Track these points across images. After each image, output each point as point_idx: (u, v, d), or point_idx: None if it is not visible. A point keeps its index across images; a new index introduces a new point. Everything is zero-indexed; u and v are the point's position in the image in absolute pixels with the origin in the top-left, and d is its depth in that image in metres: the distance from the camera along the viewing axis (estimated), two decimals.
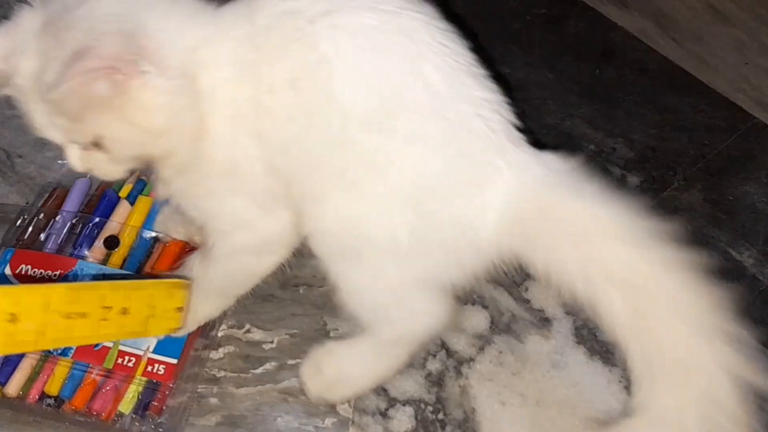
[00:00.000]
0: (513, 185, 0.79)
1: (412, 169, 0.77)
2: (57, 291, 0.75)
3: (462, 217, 0.79)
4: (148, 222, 1.07)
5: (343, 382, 0.97)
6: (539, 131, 1.32)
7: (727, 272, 1.11)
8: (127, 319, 0.81)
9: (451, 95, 0.77)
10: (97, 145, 0.78)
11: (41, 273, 0.99)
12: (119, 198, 1.10)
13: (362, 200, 0.79)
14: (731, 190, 1.24)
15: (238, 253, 0.91)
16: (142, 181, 1.12)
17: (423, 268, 0.84)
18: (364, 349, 0.96)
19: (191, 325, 0.96)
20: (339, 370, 0.96)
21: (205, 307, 0.97)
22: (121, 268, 1.02)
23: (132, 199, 1.10)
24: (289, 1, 0.78)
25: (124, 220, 1.07)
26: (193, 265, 0.96)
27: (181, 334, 0.94)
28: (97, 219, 1.05)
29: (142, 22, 0.75)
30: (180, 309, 0.89)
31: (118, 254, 1.04)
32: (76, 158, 0.82)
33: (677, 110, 1.37)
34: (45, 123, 0.79)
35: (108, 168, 0.82)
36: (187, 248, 1.04)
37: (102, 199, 1.09)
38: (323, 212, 0.82)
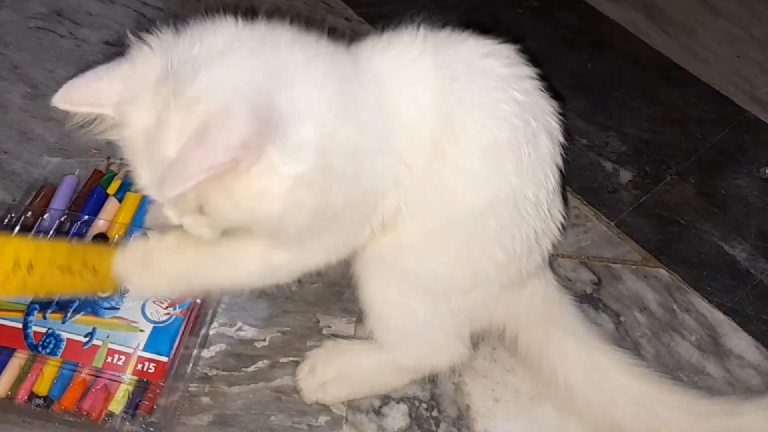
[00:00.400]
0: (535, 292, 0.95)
1: (498, 253, 0.83)
2: (61, 247, 0.82)
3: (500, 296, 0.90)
4: (137, 219, 1.06)
5: (340, 387, 0.96)
6: None
7: (719, 266, 1.11)
8: (94, 277, 0.85)
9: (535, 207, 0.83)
10: (200, 209, 0.72)
11: None
12: (107, 195, 1.08)
13: (450, 253, 0.84)
14: (724, 183, 1.24)
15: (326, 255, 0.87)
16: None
17: (465, 313, 0.91)
18: (370, 363, 0.96)
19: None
20: (337, 373, 0.96)
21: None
22: None
23: (120, 195, 1.08)
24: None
25: (112, 217, 1.05)
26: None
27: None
28: (86, 217, 1.04)
29: (278, 96, 0.68)
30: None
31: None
32: (173, 214, 0.76)
33: (669, 103, 1.37)
34: (148, 183, 0.72)
35: (204, 231, 0.75)
36: None
37: (90, 196, 1.08)
38: (405, 243, 0.83)
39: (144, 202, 1.07)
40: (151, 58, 0.71)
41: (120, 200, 1.08)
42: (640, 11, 1.52)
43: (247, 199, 0.68)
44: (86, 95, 0.72)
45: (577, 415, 0.93)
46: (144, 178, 0.72)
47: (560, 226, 0.89)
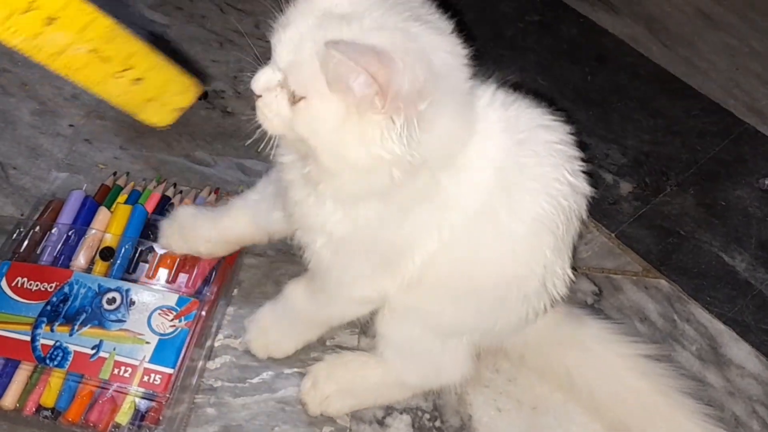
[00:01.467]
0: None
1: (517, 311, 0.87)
2: (102, 22, 0.71)
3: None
4: (129, 230, 1.07)
5: (344, 399, 0.98)
6: None
7: (719, 277, 1.12)
8: (135, 88, 0.78)
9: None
10: (295, 102, 0.70)
11: (37, 286, 0.99)
12: (98, 205, 1.10)
13: (472, 306, 0.87)
14: (723, 194, 1.25)
15: (347, 302, 0.91)
16: (137, 192, 1.12)
17: (477, 343, 0.95)
18: (374, 378, 0.98)
19: (289, 351, 1.02)
20: (340, 386, 0.98)
21: (305, 335, 1.02)
22: (106, 276, 1.02)
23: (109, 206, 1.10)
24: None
25: (104, 227, 1.07)
26: (296, 297, 0.96)
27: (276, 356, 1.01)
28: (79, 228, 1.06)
29: (452, 87, 0.71)
30: (180, 109, 0.84)
31: (103, 263, 1.04)
32: (268, 77, 0.72)
33: (670, 115, 1.38)
34: (295, 35, 0.70)
35: (276, 124, 0.73)
36: (182, 259, 1.04)
37: (81, 207, 1.09)
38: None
39: (135, 213, 1.08)
40: None
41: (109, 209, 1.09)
42: (641, 25, 1.54)
43: (344, 128, 0.68)
44: None
45: (595, 411, 0.97)
46: (294, 29, 0.70)
47: (567, 282, 0.91)
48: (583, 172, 0.84)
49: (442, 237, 0.79)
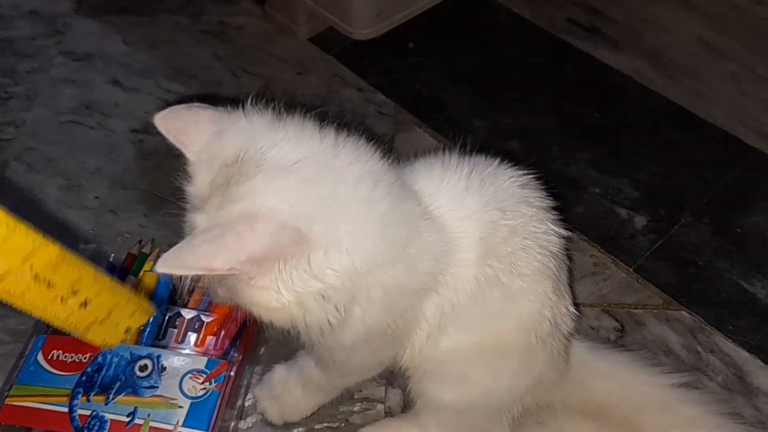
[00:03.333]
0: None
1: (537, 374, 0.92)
2: (48, 249, 0.70)
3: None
4: (157, 296, 1.10)
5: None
6: (545, 178, 1.34)
7: (741, 305, 1.13)
8: (80, 312, 0.76)
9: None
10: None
11: (72, 357, 1.02)
12: (126, 274, 1.13)
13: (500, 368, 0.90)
14: (739, 221, 1.26)
15: (353, 374, 0.95)
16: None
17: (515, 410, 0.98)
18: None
19: (305, 413, 1.04)
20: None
21: (319, 399, 1.04)
22: (137, 343, 1.04)
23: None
24: None
25: None
26: (308, 367, 0.99)
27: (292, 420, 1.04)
28: None
29: (320, 223, 0.68)
30: (128, 330, 0.85)
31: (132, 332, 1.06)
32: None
33: (679, 146, 1.40)
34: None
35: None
36: (209, 323, 1.06)
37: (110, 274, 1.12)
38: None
39: (162, 280, 1.10)
40: (238, 130, 0.72)
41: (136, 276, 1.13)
42: (644, 59, 1.56)
43: (248, 302, 0.72)
44: (179, 131, 0.74)
45: None
46: (186, 229, 0.74)
47: (574, 316, 0.95)
48: (558, 218, 0.89)
49: (446, 308, 0.81)
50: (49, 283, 0.70)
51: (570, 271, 0.96)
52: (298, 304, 0.70)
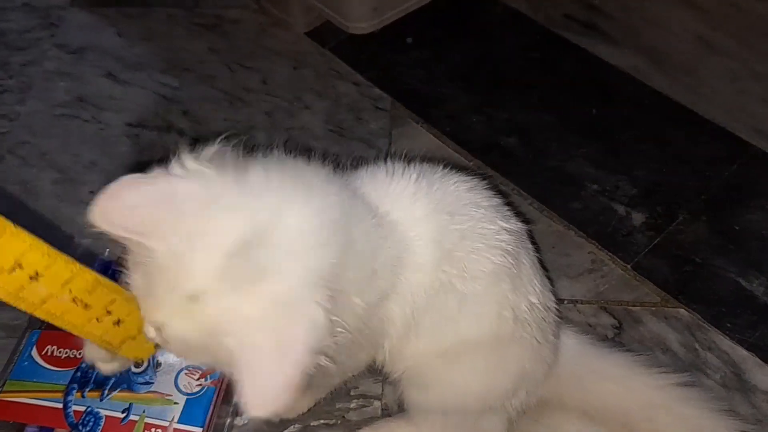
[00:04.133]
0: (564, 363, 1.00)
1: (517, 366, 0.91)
2: (84, 276, 0.72)
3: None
4: None
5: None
6: (542, 174, 1.34)
7: (738, 303, 1.12)
8: (115, 329, 0.80)
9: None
10: None
11: (66, 353, 1.01)
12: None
13: (472, 371, 0.88)
14: (736, 219, 1.26)
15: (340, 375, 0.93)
16: None
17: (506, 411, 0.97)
18: None
19: (301, 410, 1.04)
20: None
21: (313, 396, 1.03)
22: None
23: None
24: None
25: None
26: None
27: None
28: None
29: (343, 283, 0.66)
30: (158, 345, 0.82)
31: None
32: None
33: (677, 143, 1.39)
34: (163, 317, 0.65)
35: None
36: None
37: (105, 272, 1.10)
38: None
39: None
40: (196, 193, 0.63)
41: None
42: (642, 56, 1.56)
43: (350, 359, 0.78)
44: (127, 219, 0.63)
45: None
46: (160, 313, 0.64)
47: (557, 315, 0.95)
48: (511, 211, 0.89)
49: (406, 314, 0.80)
50: (86, 305, 0.75)
51: (541, 262, 0.95)
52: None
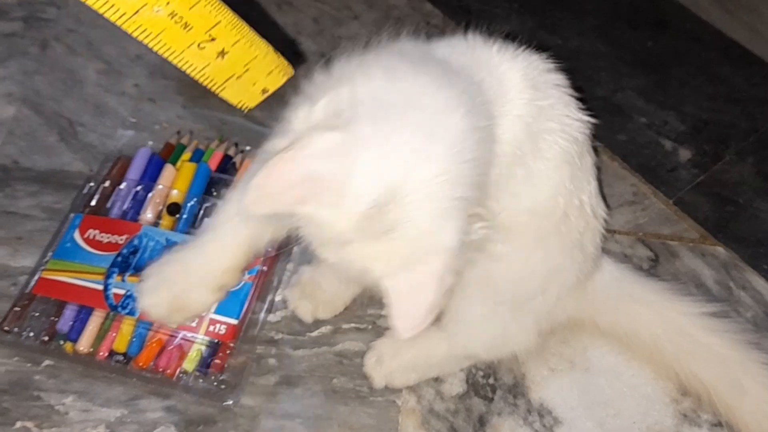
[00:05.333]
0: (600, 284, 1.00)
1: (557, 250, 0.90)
2: None
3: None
4: (194, 186, 1.10)
5: (408, 374, 1.00)
6: (591, 103, 1.31)
7: None
8: (217, 62, 0.75)
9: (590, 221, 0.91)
10: None
11: (108, 238, 1.03)
12: (164, 162, 1.13)
13: (517, 253, 0.88)
14: None
15: None
16: (200, 150, 1.15)
17: (543, 312, 0.96)
18: (440, 354, 0.99)
19: (337, 310, 1.05)
20: (404, 363, 0.99)
21: (349, 292, 1.05)
22: (173, 230, 1.06)
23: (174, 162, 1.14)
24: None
25: (170, 183, 1.11)
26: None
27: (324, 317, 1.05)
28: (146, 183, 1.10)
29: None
30: (265, 91, 0.81)
31: (169, 218, 1.08)
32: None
33: (730, 82, 1.36)
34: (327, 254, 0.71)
35: None
36: None
37: (148, 163, 1.13)
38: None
39: (200, 170, 1.11)
40: (330, 155, 0.64)
41: (174, 165, 1.13)
42: None
43: None
44: (277, 199, 0.66)
45: (668, 371, 0.99)
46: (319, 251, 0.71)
47: (604, 224, 0.95)
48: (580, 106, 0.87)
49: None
50: (185, 25, 0.68)
51: (605, 188, 0.97)
52: None
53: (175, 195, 1.09)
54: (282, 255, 1.08)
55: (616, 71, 1.38)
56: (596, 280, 0.99)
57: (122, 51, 1.38)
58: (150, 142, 1.19)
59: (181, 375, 0.96)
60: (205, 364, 0.96)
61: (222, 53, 0.72)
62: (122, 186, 1.10)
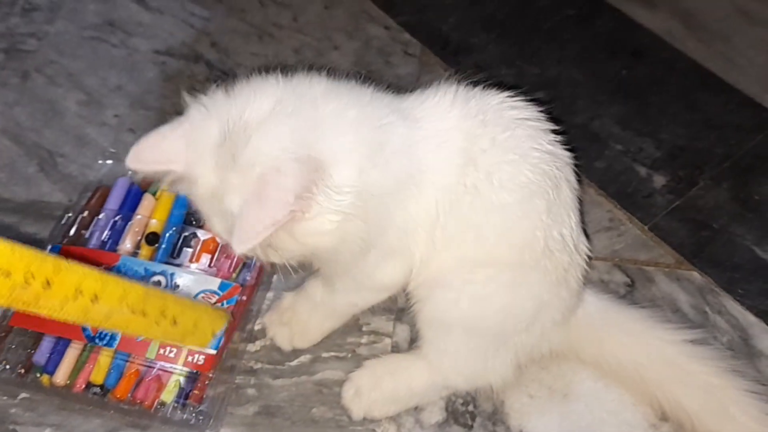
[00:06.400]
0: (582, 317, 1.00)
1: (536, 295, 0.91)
2: (135, 290, 0.83)
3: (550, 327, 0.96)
4: (173, 216, 1.11)
5: (387, 405, 1.00)
6: (568, 130, 1.33)
7: (752, 270, 1.13)
8: (173, 328, 0.90)
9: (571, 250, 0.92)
10: (271, 245, 0.79)
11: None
12: (143, 192, 1.14)
13: (494, 291, 0.89)
14: (758, 189, 1.25)
15: (365, 290, 0.97)
16: None
17: (523, 348, 0.97)
18: (419, 385, 0.99)
19: (314, 340, 1.05)
20: (383, 394, 0.99)
21: (327, 324, 1.05)
22: (151, 260, 1.06)
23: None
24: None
25: (149, 213, 1.11)
26: (316, 291, 1.02)
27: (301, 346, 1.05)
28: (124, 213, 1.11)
29: (318, 146, 0.75)
30: (214, 334, 0.98)
31: (148, 248, 1.08)
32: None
33: (705, 110, 1.38)
34: (221, 231, 0.81)
35: (269, 258, 0.82)
36: (224, 245, 1.07)
37: (127, 193, 1.13)
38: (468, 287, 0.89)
39: (178, 200, 1.12)
40: (207, 119, 0.78)
41: (153, 195, 1.14)
42: (677, 20, 1.54)
43: (305, 236, 0.77)
44: (154, 156, 0.79)
45: (650, 397, 0.99)
46: (217, 227, 0.81)
47: (587, 259, 0.96)
48: (561, 142, 0.90)
49: (432, 215, 0.85)
50: (143, 313, 0.84)
51: (582, 215, 0.97)
52: (345, 220, 0.77)
53: (154, 224, 1.09)
54: (261, 284, 1.08)
55: (593, 99, 1.39)
56: (578, 313, 0.99)
57: (103, 82, 1.39)
58: (130, 172, 1.19)
59: (159, 406, 0.96)
60: (183, 395, 0.96)
61: (174, 322, 0.90)
62: (101, 216, 1.10)
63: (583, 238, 0.95)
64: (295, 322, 1.04)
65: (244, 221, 0.71)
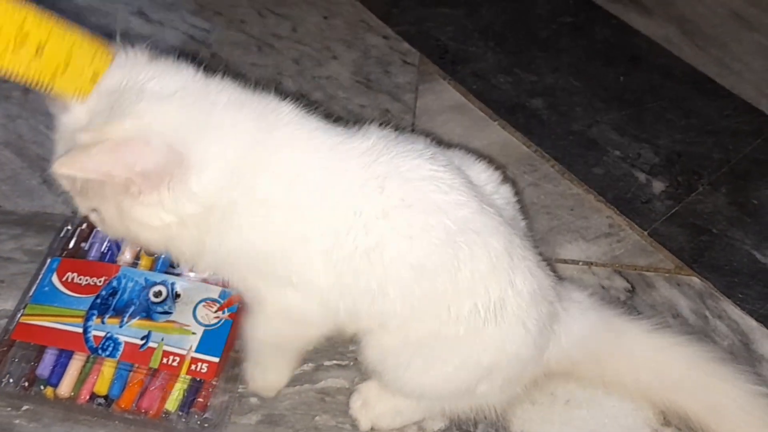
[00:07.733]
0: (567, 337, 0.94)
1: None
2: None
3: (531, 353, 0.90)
4: None
5: (394, 417, 0.99)
6: (566, 138, 1.35)
7: (752, 274, 1.13)
8: (38, 61, 0.73)
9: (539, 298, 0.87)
10: (95, 211, 0.81)
11: (87, 280, 1.03)
12: None
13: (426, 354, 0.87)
14: (756, 193, 1.26)
15: (274, 318, 0.89)
16: None
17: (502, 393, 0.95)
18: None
19: (271, 393, 1.02)
20: (390, 406, 0.99)
21: (281, 363, 1.01)
22: (151, 270, 1.07)
23: None
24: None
25: None
26: (247, 330, 0.95)
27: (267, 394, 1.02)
28: None
29: (195, 148, 0.74)
30: (95, 77, 0.79)
31: (148, 258, 1.09)
32: (78, 202, 0.84)
33: (703, 115, 1.39)
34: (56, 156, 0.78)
35: (107, 230, 0.83)
36: None
37: None
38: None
39: None
40: (117, 65, 0.78)
41: None
42: (673, 26, 1.55)
43: (130, 220, 0.77)
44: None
45: (646, 401, 1.00)
46: (57, 152, 0.78)
47: (550, 297, 0.91)
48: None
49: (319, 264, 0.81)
50: None
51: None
52: (179, 224, 0.77)
53: None
54: None
55: (590, 106, 1.40)
56: (573, 330, 0.95)
57: None
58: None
59: (163, 415, 0.96)
60: (187, 404, 0.96)
61: (38, 51, 0.72)
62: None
63: (538, 279, 0.88)
64: (254, 369, 1.00)
65: (83, 149, 0.71)
